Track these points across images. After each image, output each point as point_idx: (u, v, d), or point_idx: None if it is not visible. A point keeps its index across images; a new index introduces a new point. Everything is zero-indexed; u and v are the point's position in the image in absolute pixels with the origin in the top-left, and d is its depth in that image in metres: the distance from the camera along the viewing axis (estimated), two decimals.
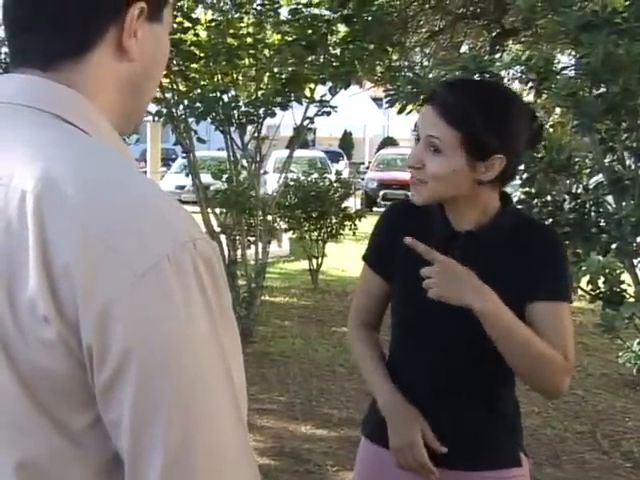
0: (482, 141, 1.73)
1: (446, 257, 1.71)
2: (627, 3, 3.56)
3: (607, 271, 3.69)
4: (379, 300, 1.98)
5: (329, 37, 6.62)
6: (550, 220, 3.50)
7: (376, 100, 27.72)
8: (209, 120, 6.55)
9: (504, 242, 1.82)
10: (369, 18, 6.46)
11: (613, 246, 3.38)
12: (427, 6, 9.01)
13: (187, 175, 7.14)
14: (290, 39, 6.59)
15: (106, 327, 0.82)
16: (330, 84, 6.76)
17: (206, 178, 7.30)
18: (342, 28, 6.74)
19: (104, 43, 0.96)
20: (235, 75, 6.74)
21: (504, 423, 1.89)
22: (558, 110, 4.41)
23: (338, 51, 6.70)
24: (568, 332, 1.79)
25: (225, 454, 0.86)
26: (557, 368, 1.75)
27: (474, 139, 1.73)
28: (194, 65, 6.64)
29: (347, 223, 9.68)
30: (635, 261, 3.60)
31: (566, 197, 3.66)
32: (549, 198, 3.67)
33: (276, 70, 6.76)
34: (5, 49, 6.07)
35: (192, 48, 6.48)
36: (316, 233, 9.60)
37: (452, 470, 1.84)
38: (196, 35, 6.54)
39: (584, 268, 3.68)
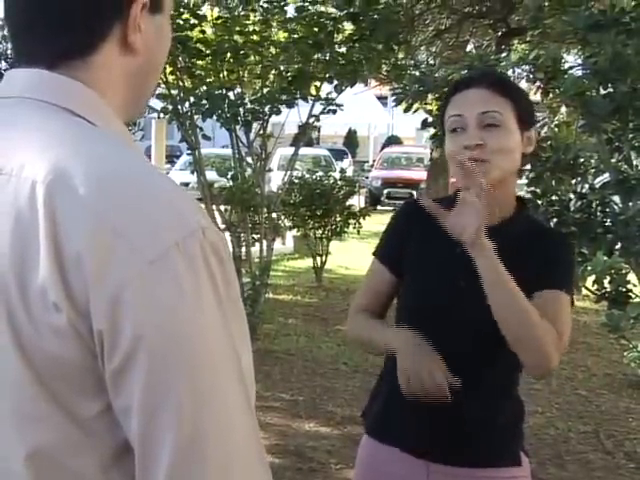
0: (527, 109, 1.85)
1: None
2: (635, 3, 3.55)
3: (613, 271, 3.67)
4: (386, 294, 1.96)
5: (335, 35, 6.62)
6: (556, 220, 3.49)
7: (381, 98, 27.71)
8: (215, 117, 6.56)
9: (516, 243, 1.81)
10: (375, 16, 6.46)
11: (619, 246, 3.37)
12: (433, 5, 9.02)
13: (192, 172, 7.13)
14: (296, 37, 6.58)
15: (117, 313, 0.83)
16: (336, 82, 6.75)
17: (211, 175, 7.30)
18: (348, 26, 6.74)
19: (109, 41, 0.97)
20: (241, 72, 6.73)
21: (505, 422, 1.88)
22: (564, 109, 4.40)
23: (344, 49, 6.70)
24: (564, 316, 1.78)
25: (235, 439, 0.86)
26: (548, 337, 1.71)
27: (522, 106, 1.83)
28: (200, 62, 6.62)
29: (351, 221, 9.69)
30: None
31: (572, 197, 3.65)
32: (555, 198, 3.66)
33: (282, 68, 6.76)
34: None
35: (198, 45, 6.47)
36: (320, 231, 9.60)
37: (447, 465, 1.84)
38: (202, 32, 6.53)
39: (590, 268, 3.66)
